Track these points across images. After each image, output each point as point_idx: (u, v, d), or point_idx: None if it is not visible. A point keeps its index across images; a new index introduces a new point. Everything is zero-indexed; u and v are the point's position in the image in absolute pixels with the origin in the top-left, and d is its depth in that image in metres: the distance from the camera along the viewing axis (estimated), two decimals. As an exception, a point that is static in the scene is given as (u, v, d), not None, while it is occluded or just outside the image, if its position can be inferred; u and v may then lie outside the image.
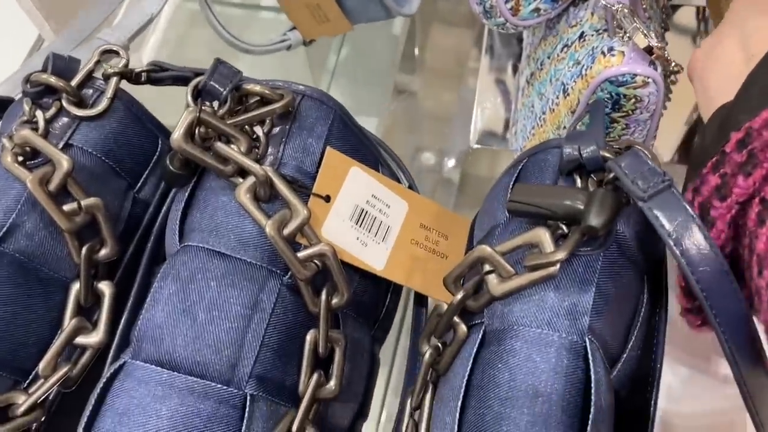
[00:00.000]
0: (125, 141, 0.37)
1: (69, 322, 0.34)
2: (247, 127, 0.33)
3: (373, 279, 0.37)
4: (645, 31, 0.36)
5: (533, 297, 0.29)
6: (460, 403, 0.29)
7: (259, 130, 0.33)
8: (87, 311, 0.35)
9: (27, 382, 0.33)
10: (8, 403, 0.32)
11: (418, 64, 0.84)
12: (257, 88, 0.33)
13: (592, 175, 0.30)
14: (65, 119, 0.35)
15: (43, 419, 0.33)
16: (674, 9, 0.70)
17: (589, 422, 0.26)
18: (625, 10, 0.37)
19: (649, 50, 0.36)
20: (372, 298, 0.39)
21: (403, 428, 0.32)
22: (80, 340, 0.34)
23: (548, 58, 0.46)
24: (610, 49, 0.38)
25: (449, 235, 0.38)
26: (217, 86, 0.32)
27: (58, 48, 0.45)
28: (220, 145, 0.31)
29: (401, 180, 0.44)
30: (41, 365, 0.33)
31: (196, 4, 0.70)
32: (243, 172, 0.32)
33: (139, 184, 0.38)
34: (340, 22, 0.57)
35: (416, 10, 0.59)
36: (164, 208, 0.37)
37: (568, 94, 0.41)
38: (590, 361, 0.28)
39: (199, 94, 0.33)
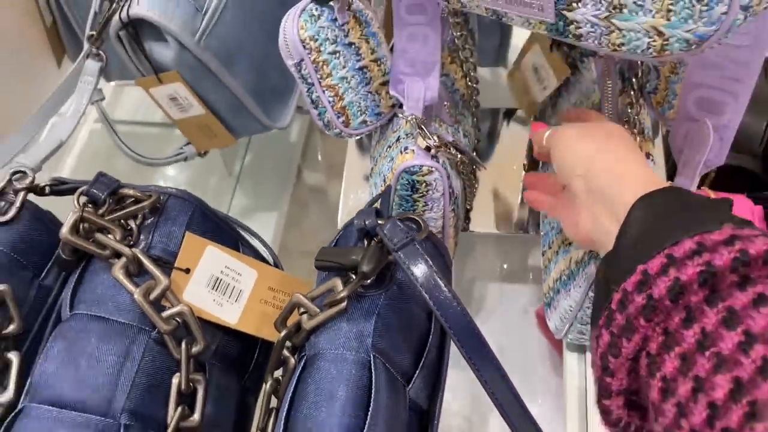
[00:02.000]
0: (30, 240, 0.47)
1: (-17, 386, 0.42)
2: (123, 221, 0.43)
3: (237, 336, 0.47)
4: (427, 135, 0.49)
5: (332, 327, 0.40)
6: (284, 414, 0.38)
7: (132, 223, 0.44)
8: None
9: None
10: (-72, 453, 0.40)
11: (320, 165, 0.97)
12: (130, 191, 0.44)
13: (374, 239, 0.42)
14: (-20, 225, 0.45)
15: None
16: (513, 111, 0.86)
17: (369, 413, 0.36)
18: (414, 121, 0.51)
19: (426, 149, 0.49)
20: (238, 352, 0.49)
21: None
22: (-9, 400, 0.42)
23: (379, 156, 0.59)
24: (406, 148, 0.51)
25: (294, 294, 0.48)
26: (97, 192, 0.43)
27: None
28: (98, 235, 0.42)
29: (267, 257, 0.55)
30: (-42, 420, 0.41)
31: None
32: (118, 255, 0.42)
33: (43, 274, 0.47)
34: (226, 137, 0.69)
35: (288, 123, 0.72)
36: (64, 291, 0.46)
37: (386, 183, 0.53)
38: (373, 371, 0.38)
39: (82, 198, 0.43)
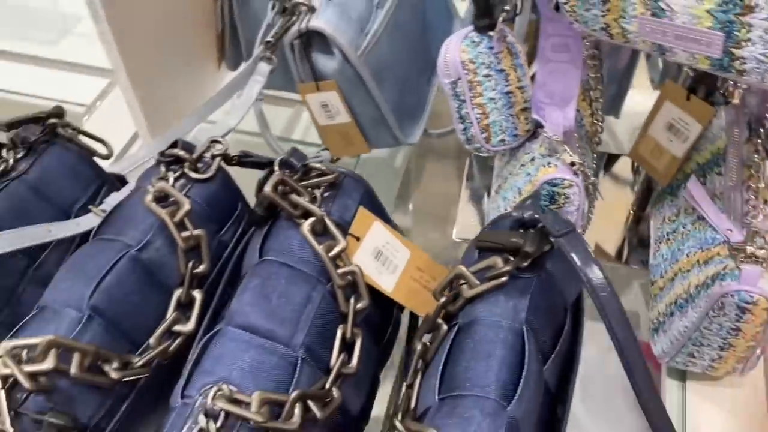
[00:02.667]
0: (218, 198, 0.54)
1: (171, 314, 0.49)
2: (310, 189, 0.50)
3: (382, 311, 0.53)
4: (570, 153, 0.55)
5: (490, 299, 0.45)
6: (441, 366, 0.43)
7: (317, 192, 0.50)
8: (183, 308, 0.50)
9: (139, 351, 0.47)
10: (127, 360, 0.46)
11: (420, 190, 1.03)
12: (317, 165, 0.51)
13: (530, 229, 0.47)
14: (184, 180, 0.53)
15: (146, 375, 0.46)
16: (614, 158, 0.91)
17: (523, 373, 0.41)
18: (558, 140, 0.57)
19: (572, 164, 0.55)
20: (378, 323, 0.54)
21: (400, 398, 0.46)
22: (177, 327, 0.49)
23: (510, 174, 0.65)
24: (549, 163, 0.57)
25: (436, 277, 0.54)
26: (293, 161, 0.50)
27: (157, 146, 0.63)
28: (294, 196, 0.49)
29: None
30: (152, 340, 0.47)
31: (240, 135, 0.90)
32: (305, 215, 0.49)
33: (223, 230, 0.54)
34: (362, 146, 0.77)
35: (417, 140, 0.79)
36: (239, 248, 0.53)
37: (522, 195, 0.59)
38: (525, 338, 0.43)
39: (281, 165, 0.51)
